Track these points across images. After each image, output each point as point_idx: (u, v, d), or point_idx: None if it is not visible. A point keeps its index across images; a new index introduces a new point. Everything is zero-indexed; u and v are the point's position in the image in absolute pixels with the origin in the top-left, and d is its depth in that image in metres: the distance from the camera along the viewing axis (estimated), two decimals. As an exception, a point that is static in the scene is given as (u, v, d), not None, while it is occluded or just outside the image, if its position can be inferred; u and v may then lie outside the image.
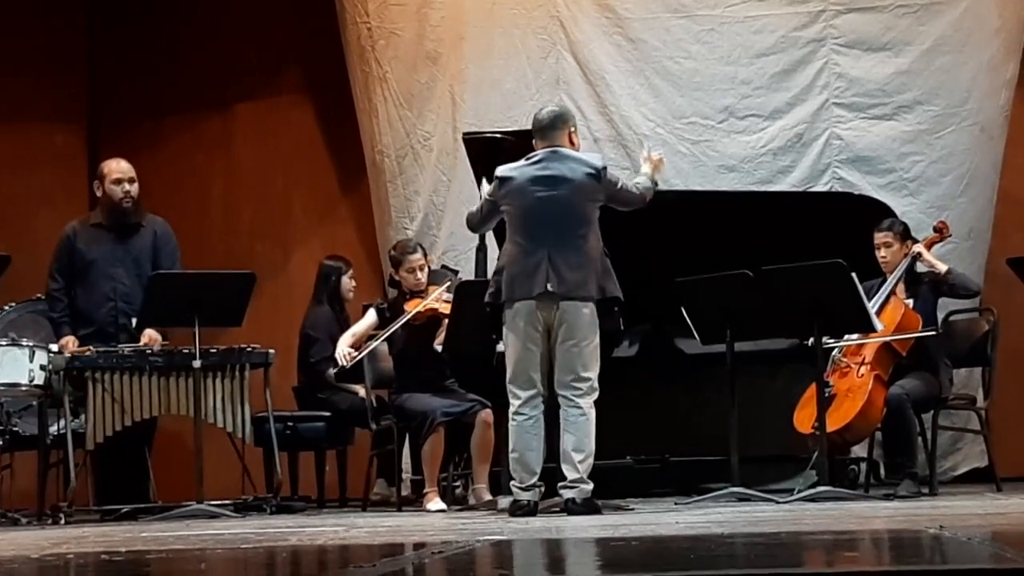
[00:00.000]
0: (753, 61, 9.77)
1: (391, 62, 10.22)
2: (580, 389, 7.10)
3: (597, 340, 7.16)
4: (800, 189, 9.61)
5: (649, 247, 7.62)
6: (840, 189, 9.57)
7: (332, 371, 8.31)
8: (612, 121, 9.74)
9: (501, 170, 7.31)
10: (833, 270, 7.57)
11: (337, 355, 8.18)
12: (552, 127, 7.29)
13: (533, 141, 7.34)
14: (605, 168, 7.29)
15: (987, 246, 9.74)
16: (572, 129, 7.36)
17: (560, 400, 7.14)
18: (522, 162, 7.30)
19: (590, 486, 7.07)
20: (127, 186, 8.56)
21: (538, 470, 7.13)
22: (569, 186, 7.17)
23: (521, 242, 7.18)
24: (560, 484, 7.11)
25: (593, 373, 7.13)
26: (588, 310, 7.13)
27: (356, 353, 8.12)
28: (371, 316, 8.31)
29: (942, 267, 8.09)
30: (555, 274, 7.08)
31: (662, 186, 9.43)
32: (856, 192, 9.43)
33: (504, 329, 7.22)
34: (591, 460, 7.09)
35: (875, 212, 8.53)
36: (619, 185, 7.33)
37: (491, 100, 9.94)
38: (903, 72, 9.70)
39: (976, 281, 8.31)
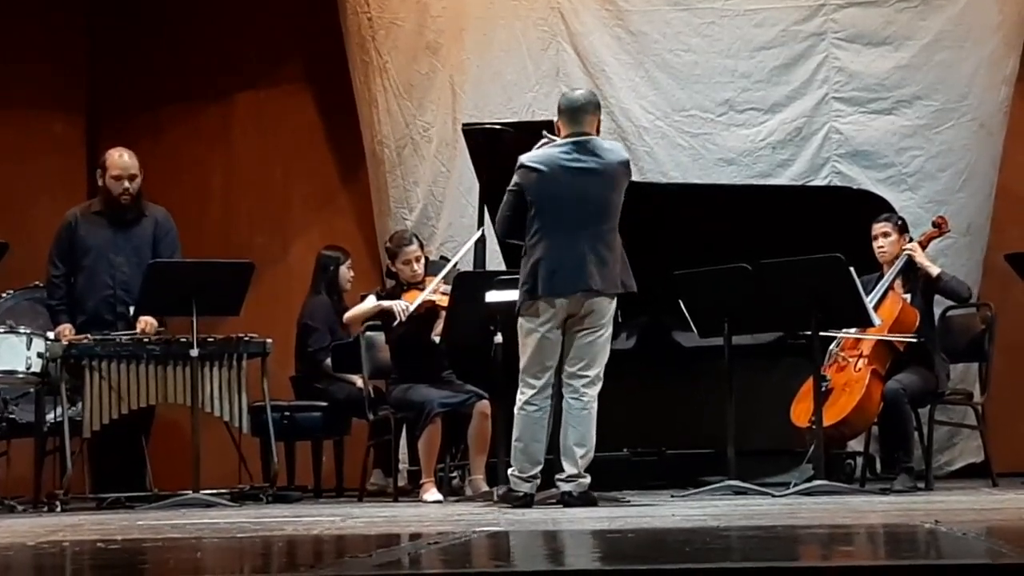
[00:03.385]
0: (753, 55, 9.77)
1: (391, 52, 10.21)
2: (588, 377, 7.08)
3: (611, 331, 7.16)
4: (799, 183, 9.61)
5: (647, 240, 7.62)
6: (839, 183, 9.57)
7: (394, 324, 8.21)
8: (612, 113, 9.73)
9: (527, 158, 7.15)
10: (831, 264, 7.56)
11: (395, 308, 8.11)
12: (585, 111, 7.14)
13: (557, 121, 7.19)
14: (629, 160, 7.27)
15: (985, 241, 9.75)
16: (599, 117, 7.27)
17: (564, 389, 7.12)
18: (548, 150, 7.17)
19: (588, 479, 7.07)
20: (126, 183, 8.53)
21: (542, 461, 7.12)
22: (603, 178, 7.07)
23: (557, 235, 7.05)
24: (558, 477, 7.11)
25: (602, 364, 7.11)
26: (613, 303, 7.13)
27: (410, 306, 8.08)
28: (371, 300, 8.30)
29: (934, 270, 8.09)
30: (597, 269, 7.01)
31: (662, 180, 9.52)
32: (855, 186, 9.43)
33: (525, 320, 7.14)
34: (591, 455, 7.08)
35: (874, 207, 8.52)
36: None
37: (491, 91, 9.94)
38: (903, 67, 9.70)
39: (967, 286, 8.27)
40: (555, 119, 7.24)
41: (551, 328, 7.09)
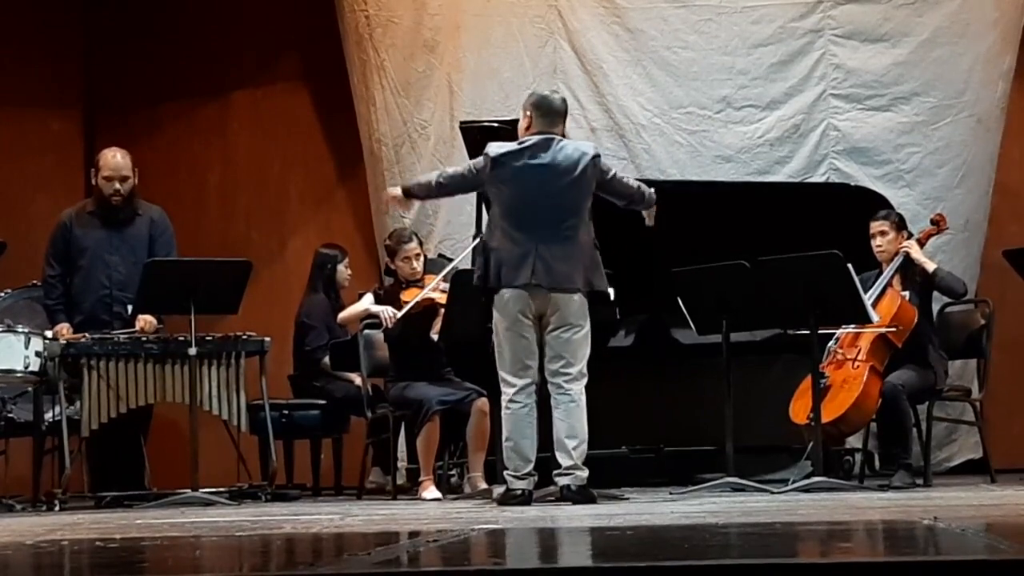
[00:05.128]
0: (751, 51, 9.77)
1: (389, 50, 10.21)
2: (570, 375, 7.10)
3: (588, 327, 7.17)
4: (797, 180, 9.61)
5: (646, 237, 7.61)
6: (837, 180, 9.58)
7: (382, 329, 8.21)
8: (609, 111, 9.74)
9: (493, 149, 7.21)
10: (829, 261, 7.56)
11: (381, 315, 8.13)
12: (560, 113, 7.24)
13: (527, 114, 7.24)
14: (599, 156, 7.26)
15: (983, 238, 9.76)
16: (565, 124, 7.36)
17: (550, 387, 7.15)
18: (515, 145, 7.22)
19: (585, 472, 7.08)
20: (117, 184, 8.50)
21: (533, 458, 7.13)
22: (565, 176, 7.12)
23: (510, 230, 7.14)
24: (555, 472, 7.11)
25: (583, 360, 7.14)
26: (578, 298, 7.14)
27: (398, 313, 8.09)
28: (367, 299, 8.31)
29: (930, 266, 8.09)
30: (542, 267, 7.06)
31: (659, 177, 9.51)
32: (853, 183, 9.44)
33: (496, 315, 7.20)
34: (584, 446, 7.09)
35: (872, 203, 8.53)
36: (611, 174, 7.29)
37: (488, 89, 9.94)
38: (900, 63, 9.71)
39: (963, 282, 8.26)
40: (525, 112, 7.26)
41: (525, 327, 7.12)
